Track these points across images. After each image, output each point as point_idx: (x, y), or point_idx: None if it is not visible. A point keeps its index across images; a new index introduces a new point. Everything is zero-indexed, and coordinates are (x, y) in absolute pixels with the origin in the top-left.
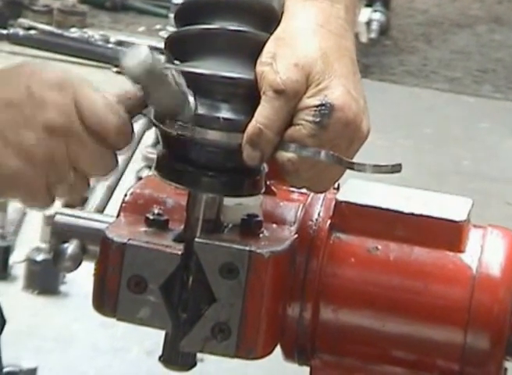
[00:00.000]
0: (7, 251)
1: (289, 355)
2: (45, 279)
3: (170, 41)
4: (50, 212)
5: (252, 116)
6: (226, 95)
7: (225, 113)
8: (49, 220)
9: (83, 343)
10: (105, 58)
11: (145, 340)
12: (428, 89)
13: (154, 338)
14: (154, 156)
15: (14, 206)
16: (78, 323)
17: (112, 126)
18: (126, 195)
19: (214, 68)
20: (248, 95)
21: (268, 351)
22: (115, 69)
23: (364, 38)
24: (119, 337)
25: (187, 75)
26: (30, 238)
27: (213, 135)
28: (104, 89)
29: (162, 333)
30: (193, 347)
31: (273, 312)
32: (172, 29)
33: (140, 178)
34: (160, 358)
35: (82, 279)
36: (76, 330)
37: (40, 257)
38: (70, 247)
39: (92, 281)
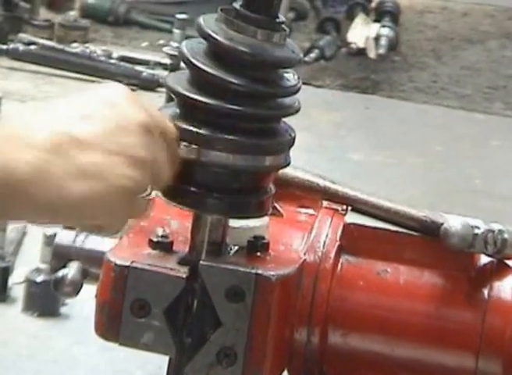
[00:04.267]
0: (6, 272)
1: None
2: (45, 301)
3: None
4: (50, 232)
5: (256, 137)
6: (231, 120)
7: (230, 134)
8: (49, 241)
9: (84, 366)
10: (108, 73)
11: (147, 363)
12: (438, 106)
13: (157, 362)
14: None
15: (13, 226)
16: (79, 346)
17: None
18: None
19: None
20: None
21: None
22: None
23: (372, 54)
24: (121, 360)
25: (195, 103)
26: (30, 259)
27: (218, 156)
28: None
29: (165, 356)
30: (198, 373)
31: (280, 337)
32: (175, 44)
33: None
34: None
35: (82, 301)
36: (76, 353)
37: (40, 278)
38: (70, 272)
39: (93, 304)
